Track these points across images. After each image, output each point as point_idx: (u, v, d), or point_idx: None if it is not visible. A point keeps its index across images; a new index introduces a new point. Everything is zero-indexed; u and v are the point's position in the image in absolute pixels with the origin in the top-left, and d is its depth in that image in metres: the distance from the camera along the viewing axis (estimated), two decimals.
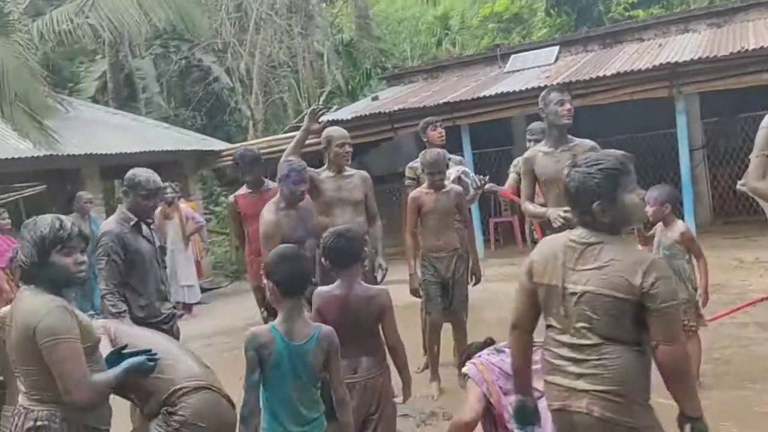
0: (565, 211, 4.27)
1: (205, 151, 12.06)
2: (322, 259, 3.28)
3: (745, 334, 5.49)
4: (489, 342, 3.40)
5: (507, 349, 2.81)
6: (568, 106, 4.32)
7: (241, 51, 16.10)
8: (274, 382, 2.70)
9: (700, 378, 4.38)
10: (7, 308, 2.76)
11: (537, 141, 5.46)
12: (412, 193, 5.12)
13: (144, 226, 4.06)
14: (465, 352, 3.56)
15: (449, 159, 5.64)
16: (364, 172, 5.10)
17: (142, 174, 4.09)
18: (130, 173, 4.10)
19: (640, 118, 10.91)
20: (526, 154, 4.61)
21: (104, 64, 17.92)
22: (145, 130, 12.27)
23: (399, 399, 3.50)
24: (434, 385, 5.04)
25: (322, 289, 3.25)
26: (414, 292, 5.16)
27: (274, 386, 2.71)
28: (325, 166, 4.93)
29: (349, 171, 4.92)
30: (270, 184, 5.18)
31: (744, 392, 4.35)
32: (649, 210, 4.40)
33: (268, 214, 4.42)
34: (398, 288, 5.48)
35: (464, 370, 3.16)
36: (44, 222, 2.48)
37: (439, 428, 4.42)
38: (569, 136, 4.39)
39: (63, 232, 2.49)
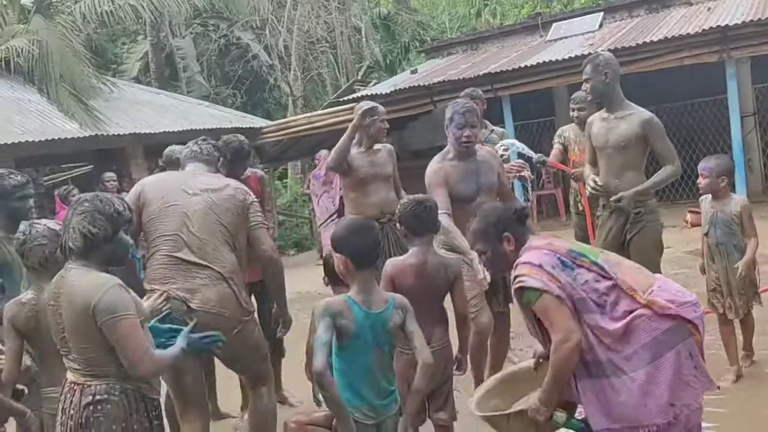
0: (595, 181, 4.24)
1: (246, 128, 12.14)
2: (398, 225, 3.30)
3: None
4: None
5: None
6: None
7: (279, 28, 16.10)
8: (354, 352, 2.64)
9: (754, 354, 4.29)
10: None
11: (580, 110, 5.34)
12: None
13: None
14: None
15: (492, 131, 5.55)
16: (389, 146, 5.01)
17: (177, 151, 4.11)
18: (167, 150, 4.13)
19: (688, 85, 10.58)
20: (589, 119, 4.50)
21: (146, 44, 18.15)
22: (187, 108, 12.41)
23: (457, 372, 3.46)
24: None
25: (395, 258, 3.28)
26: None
27: (354, 357, 2.65)
28: (356, 141, 4.76)
29: (378, 146, 4.84)
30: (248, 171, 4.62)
31: None
32: (703, 181, 4.08)
33: (433, 163, 4.04)
34: None
35: (530, 283, 2.48)
36: (112, 199, 2.51)
37: None
38: (627, 102, 4.27)
39: (129, 211, 2.55)
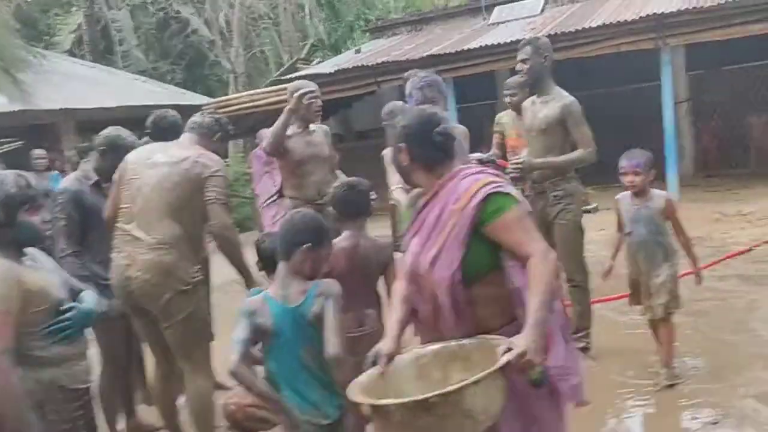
0: (516, 161, 4.32)
1: (185, 105, 11.83)
2: (329, 208, 3.28)
3: (724, 287, 5.53)
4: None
5: None
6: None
7: (220, 2, 15.71)
8: (281, 352, 2.58)
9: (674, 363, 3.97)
10: None
11: (512, 96, 5.39)
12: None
13: (105, 185, 3.87)
14: None
15: None
16: (325, 126, 4.96)
17: (128, 136, 3.94)
18: (114, 134, 3.92)
19: (625, 71, 10.81)
20: (524, 104, 4.58)
21: (80, 15, 17.45)
22: (123, 84, 12.03)
23: None
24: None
25: None
26: None
27: (282, 357, 2.58)
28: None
29: (312, 127, 4.76)
30: None
31: (721, 344, 4.39)
32: (635, 179, 3.81)
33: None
34: None
35: (507, 189, 2.21)
36: (8, 180, 2.38)
37: None
38: (553, 86, 4.36)
39: (30, 189, 2.41)
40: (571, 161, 4.30)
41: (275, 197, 9.52)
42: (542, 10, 12.09)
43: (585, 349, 4.32)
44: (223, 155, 4.05)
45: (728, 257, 6.37)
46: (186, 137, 3.60)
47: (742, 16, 8.77)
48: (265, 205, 10.29)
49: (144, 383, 4.38)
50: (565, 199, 4.32)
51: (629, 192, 3.92)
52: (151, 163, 3.38)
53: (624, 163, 3.85)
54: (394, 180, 4.35)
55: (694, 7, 8.96)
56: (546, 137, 4.30)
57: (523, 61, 4.33)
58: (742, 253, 6.51)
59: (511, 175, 4.23)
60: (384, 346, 2.19)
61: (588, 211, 9.13)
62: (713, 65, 11.08)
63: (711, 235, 7.39)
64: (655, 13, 9.15)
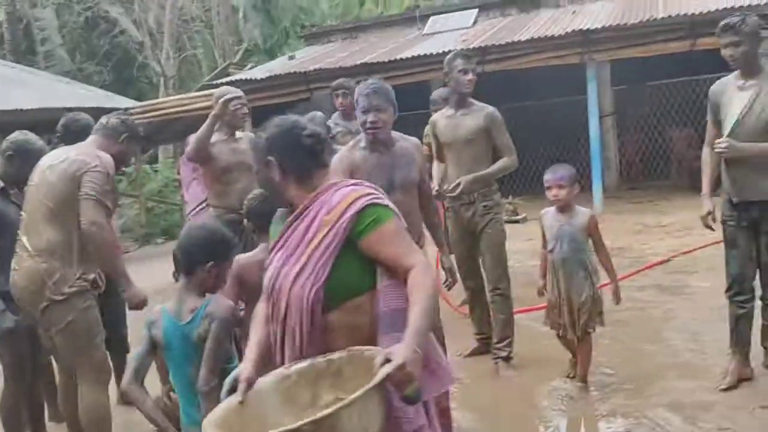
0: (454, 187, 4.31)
1: (110, 108, 11.44)
2: (245, 221, 3.23)
3: (643, 297, 5.68)
4: None
5: None
6: (470, 75, 4.31)
7: (149, 3, 15.32)
8: (173, 365, 2.54)
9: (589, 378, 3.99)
10: None
11: (436, 111, 5.42)
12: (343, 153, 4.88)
13: (13, 191, 3.75)
14: None
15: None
16: (250, 134, 4.89)
17: (36, 141, 3.80)
18: (21, 138, 3.77)
19: (553, 85, 11.08)
20: (432, 118, 4.66)
21: (1, 13, 16.71)
22: (44, 85, 11.55)
23: None
24: None
25: (242, 255, 3.10)
26: None
27: (175, 371, 2.53)
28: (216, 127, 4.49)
29: (239, 134, 4.67)
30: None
31: (638, 353, 4.50)
32: (560, 192, 3.79)
33: (341, 150, 3.64)
34: None
35: (384, 201, 2.05)
36: None
37: None
38: (471, 100, 4.42)
39: None
40: (499, 170, 4.36)
41: (204, 204, 9.34)
42: (474, 23, 12.28)
43: (507, 359, 4.37)
44: (129, 158, 3.91)
45: (646, 268, 6.56)
46: (90, 139, 3.50)
47: (663, 34, 9.13)
48: (194, 213, 10.07)
49: (53, 399, 4.18)
50: (494, 209, 4.40)
51: (553, 207, 3.91)
52: (43, 167, 3.32)
53: (548, 176, 3.85)
54: None
55: (618, 25, 9.27)
56: (472, 147, 4.34)
57: (473, 71, 4.34)
58: (660, 263, 6.72)
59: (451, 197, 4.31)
60: (241, 370, 1.95)
61: (517, 221, 9.34)
62: (637, 80, 11.47)
63: (631, 246, 7.61)
64: (581, 29, 9.43)
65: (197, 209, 9.64)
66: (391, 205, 2.04)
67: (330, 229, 1.93)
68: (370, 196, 1.99)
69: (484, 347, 4.65)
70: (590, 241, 3.90)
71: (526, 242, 7.23)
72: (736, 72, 3.65)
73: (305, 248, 1.96)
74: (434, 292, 1.90)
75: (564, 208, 3.85)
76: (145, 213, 13.53)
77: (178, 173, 11.00)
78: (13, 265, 3.32)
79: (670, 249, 7.21)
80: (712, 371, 3.97)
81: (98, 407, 3.35)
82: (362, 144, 3.51)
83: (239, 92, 4.65)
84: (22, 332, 3.61)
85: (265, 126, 2.12)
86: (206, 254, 2.51)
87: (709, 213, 3.76)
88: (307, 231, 1.97)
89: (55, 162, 3.29)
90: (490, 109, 4.37)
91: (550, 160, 11.47)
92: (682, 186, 10.77)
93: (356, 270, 1.94)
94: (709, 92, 3.76)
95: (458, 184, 4.22)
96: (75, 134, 3.93)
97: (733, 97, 3.59)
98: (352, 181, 2.14)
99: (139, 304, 3.41)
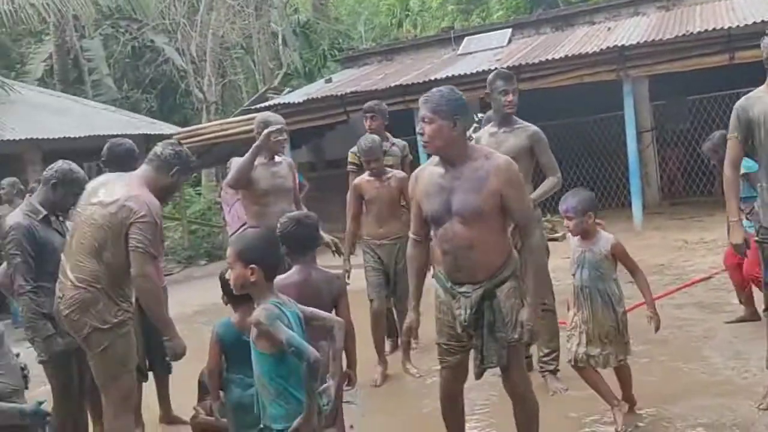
0: None
1: (154, 135, 11.81)
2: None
3: (682, 315, 5.60)
4: None
5: None
6: (510, 97, 4.36)
7: (192, 32, 15.76)
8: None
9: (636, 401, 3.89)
10: None
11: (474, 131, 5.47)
12: (355, 181, 5.10)
13: (53, 218, 3.90)
14: None
15: (393, 144, 5.61)
16: (290, 159, 5.07)
17: (78, 170, 3.94)
18: (65, 167, 3.90)
19: (590, 101, 11.01)
20: (476, 135, 4.66)
21: (51, 45, 17.38)
22: (90, 113, 11.99)
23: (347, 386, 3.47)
24: (379, 369, 4.98)
25: (278, 276, 3.15)
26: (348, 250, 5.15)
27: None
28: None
29: (278, 158, 4.83)
30: None
31: (677, 371, 4.44)
32: (570, 224, 3.66)
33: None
34: (353, 272, 5.47)
35: None
36: None
37: (384, 415, 4.43)
38: (514, 118, 4.46)
39: None
40: (545, 193, 4.37)
41: (246, 226, 9.58)
42: (509, 42, 12.32)
43: (554, 372, 4.40)
44: (176, 191, 3.99)
45: (687, 285, 6.45)
46: (142, 170, 3.52)
47: (700, 48, 9.03)
48: (238, 233, 10.33)
49: (98, 419, 4.32)
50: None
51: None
52: (92, 201, 3.40)
53: (560, 206, 3.72)
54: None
55: (654, 40, 9.20)
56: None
57: (514, 92, 4.37)
58: (701, 280, 6.60)
59: None
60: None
61: (555, 239, 9.27)
62: (676, 95, 11.32)
63: (673, 263, 7.49)
64: (616, 46, 9.38)
65: (240, 231, 9.97)
66: None
67: None
68: None
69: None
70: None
71: (564, 260, 7.11)
72: (762, 86, 3.60)
73: None
74: None
75: (583, 234, 3.69)
76: (188, 235, 13.84)
77: (219, 196, 11.23)
78: (57, 292, 3.43)
79: (712, 266, 7.07)
80: (753, 390, 3.89)
81: (121, 430, 3.46)
82: (435, 159, 3.17)
83: (280, 119, 4.85)
84: (70, 355, 3.76)
85: None
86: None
87: (744, 241, 3.70)
88: None
89: (105, 199, 3.34)
90: (534, 128, 4.40)
91: (588, 178, 11.45)
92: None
93: None
94: (737, 107, 3.65)
95: None
96: (119, 158, 4.11)
97: None
98: None
99: (179, 355, 3.48)
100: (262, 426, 2.67)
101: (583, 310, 3.69)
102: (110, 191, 3.37)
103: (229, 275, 3.02)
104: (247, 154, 4.61)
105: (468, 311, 3.02)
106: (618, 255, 3.65)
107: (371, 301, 5.07)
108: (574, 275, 3.75)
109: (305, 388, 2.58)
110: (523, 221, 3.06)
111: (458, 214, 2.98)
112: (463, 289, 3.05)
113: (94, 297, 3.31)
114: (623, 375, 3.80)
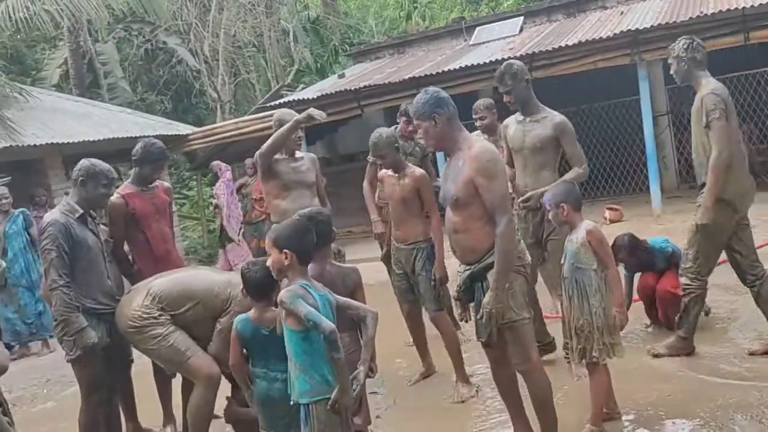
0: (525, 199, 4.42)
1: (171, 135, 11.92)
2: None
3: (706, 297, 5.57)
4: None
5: None
6: (505, 98, 4.48)
7: (204, 32, 15.85)
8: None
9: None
10: None
11: (482, 119, 5.43)
12: (380, 172, 4.90)
13: (89, 219, 4.01)
14: None
15: (416, 144, 5.54)
16: (312, 154, 5.09)
17: (100, 163, 4.06)
18: (87, 164, 4.03)
19: (605, 86, 10.96)
20: (504, 122, 4.69)
21: (66, 50, 17.53)
22: (108, 116, 12.08)
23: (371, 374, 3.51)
24: (421, 370, 4.89)
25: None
26: (378, 237, 5.41)
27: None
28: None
29: (299, 154, 4.88)
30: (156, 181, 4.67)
31: (701, 354, 4.45)
32: (549, 215, 3.74)
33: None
34: (369, 266, 5.52)
35: None
36: None
37: (406, 405, 4.47)
38: (541, 106, 4.48)
39: None
40: (574, 180, 4.32)
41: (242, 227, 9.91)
42: (521, 30, 12.27)
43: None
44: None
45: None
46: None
47: (714, 30, 8.94)
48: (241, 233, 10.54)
49: (131, 415, 4.40)
50: None
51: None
52: None
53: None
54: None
55: (667, 23, 9.13)
56: (540, 155, 4.41)
57: (507, 92, 4.42)
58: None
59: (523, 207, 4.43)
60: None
61: None
62: None
63: None
64: (629, 30, 9.32)
65: (239, 231, 10.37)
66: None
67: None
68: None
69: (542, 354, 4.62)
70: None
71: None
72: None
73: None
74: None
75: (568, 225, 3.64)
76: (207, 234, 13.97)
77: (213, 198, 11.33)
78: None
79: None
80: None
81: (202, 407, 3.73)
82: None
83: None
84: (98, 350, 3.85)
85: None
86: None
87: None
88: None
89: None
90: (560, 118, 4.40)
91: (605, 164, 11.40)
92: None
93: None
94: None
95: (528, 199, 4.36)
96: (154, 156, 4.43)
97: None
98: None
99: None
100: (292, 402, 2.87)
101: (564, 300, 3.71)
102: None
103: (253, 269, 3.18)
104: (285, 127, 4.55)
105: (462, 286, 3.36)
106: (592, 243, 3.47)
107: (401, 305, 4.91)
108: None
109: (328, 359, 2.76)
110: (492, 209, 3.16)
111: (444, 201, 3.33)
112: (460, 268, 3.38)
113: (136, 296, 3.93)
114: (593, 378, 3.55)
